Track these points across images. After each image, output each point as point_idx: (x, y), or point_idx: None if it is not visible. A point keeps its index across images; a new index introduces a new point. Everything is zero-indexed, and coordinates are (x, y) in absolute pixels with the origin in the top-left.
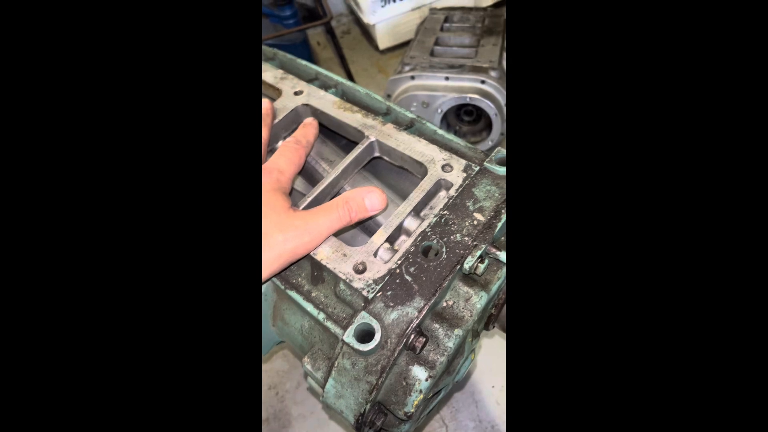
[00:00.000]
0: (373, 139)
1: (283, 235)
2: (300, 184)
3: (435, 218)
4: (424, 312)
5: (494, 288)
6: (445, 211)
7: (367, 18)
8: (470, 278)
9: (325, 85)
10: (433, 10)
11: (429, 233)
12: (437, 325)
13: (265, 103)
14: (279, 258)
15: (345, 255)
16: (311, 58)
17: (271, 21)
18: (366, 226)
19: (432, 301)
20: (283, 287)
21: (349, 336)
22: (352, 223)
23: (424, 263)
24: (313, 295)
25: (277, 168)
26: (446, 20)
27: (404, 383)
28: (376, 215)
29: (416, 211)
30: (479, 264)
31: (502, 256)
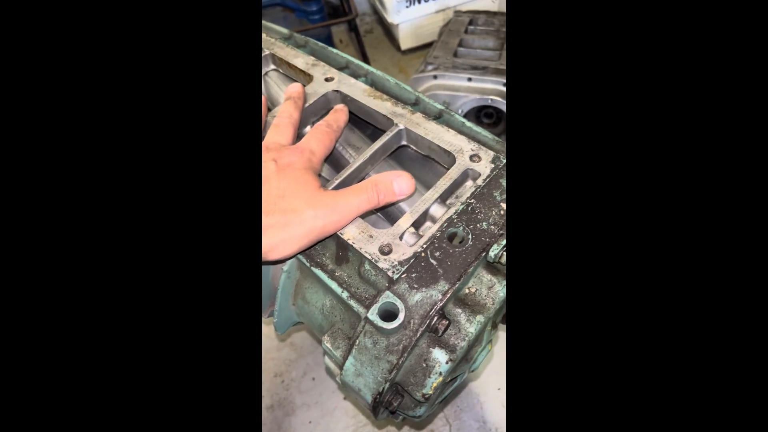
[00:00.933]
0: (401, 127)
1: (314, 212)
2: (325, 171)
3: (462, 206)
4: (448, 296)
5: None
6: (472, 200)
7: (392, 18)
8: (494, 267)
9: (356, 74)
10: (458, 13)
11: (455, 220)
12: (459, 310)
13: (297, 86)
14: (309, 234)
15: (371, 236)
16: None
17: (297, 16)
18: (389, 212)
19: (456, 285)
20: (308, 264)
21: (373, 314)
22: (379, 205)
23: (450, 249)
24: (337, 274)
25: (309, 148)
26: (471, 23)
27: (424, 365)
28: (402, 200)
29: (442, 198)
30: (504, 253)
31: None
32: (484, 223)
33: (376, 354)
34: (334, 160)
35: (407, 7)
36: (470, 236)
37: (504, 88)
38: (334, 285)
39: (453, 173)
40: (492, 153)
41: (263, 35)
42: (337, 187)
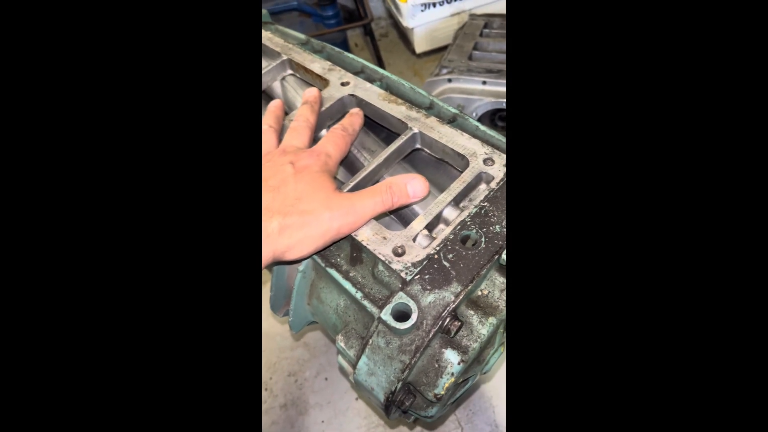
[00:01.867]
0: (416, 130)
1: (330, 213)
2: (341, 174)
3: (475, 209)
4: (460, 297)
5: None
6: (486, 203)
7: (407, 22)
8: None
9: (371, 78)
10: (473, 16)
11: (468, 222)
12: (472, 312)
13: (314, 91)
14: (325, 234)
15: (385, 238)
16: None
17: (314, 21)
18: (403, 214)
19: (469, 287)
20: (323, 265)
21: (386, 314)
22: (393, 208)
23: (463, 251)
24: (351, 275)
25: (325, 152)
26: (486, 26)
27: (436, 365)
28: (416, 202)
29: (456, 201)
30: None
31: None
32: (497, 226)
33: (389, 354)
34: (349, 163)
35: (422, 11)
36: (483, 239)
37: None
38: (348, 285)
39: (466, 176)
40: (506, 157)
41: (281, 41)
42: (352, 190)
